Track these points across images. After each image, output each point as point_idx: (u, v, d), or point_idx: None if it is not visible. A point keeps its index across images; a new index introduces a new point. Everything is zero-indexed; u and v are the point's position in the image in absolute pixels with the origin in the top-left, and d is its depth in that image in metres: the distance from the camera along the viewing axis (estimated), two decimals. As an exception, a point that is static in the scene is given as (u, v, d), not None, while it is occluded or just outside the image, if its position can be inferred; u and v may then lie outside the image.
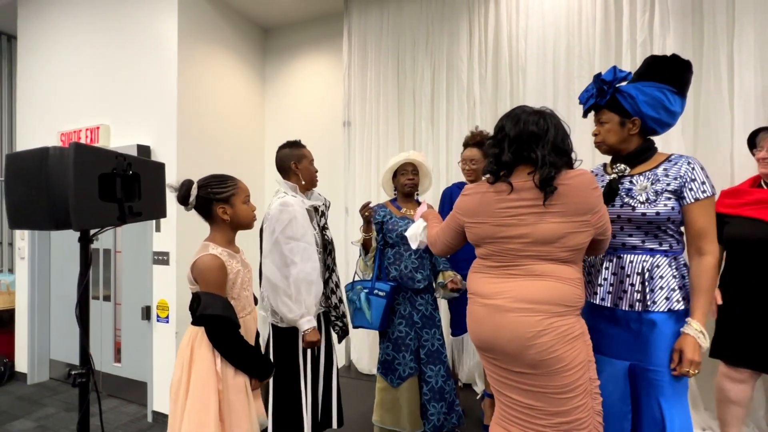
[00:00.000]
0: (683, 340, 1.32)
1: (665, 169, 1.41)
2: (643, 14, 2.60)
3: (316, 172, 2.01)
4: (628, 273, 1.42)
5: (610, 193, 1.45)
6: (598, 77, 1.49)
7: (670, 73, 1.43)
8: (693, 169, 1.38)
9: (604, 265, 1.48)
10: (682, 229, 1.45)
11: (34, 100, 3.71)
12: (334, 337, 2.04)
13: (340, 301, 2.00)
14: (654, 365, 1.36)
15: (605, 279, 1.47)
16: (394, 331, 2.14)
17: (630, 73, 1.49)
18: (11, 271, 4.24)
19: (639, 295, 1.39)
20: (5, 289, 3.87)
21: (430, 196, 2.88)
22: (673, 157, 1.44)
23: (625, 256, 1.43)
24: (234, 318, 1.47)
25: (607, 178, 1.52)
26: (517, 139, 1.27)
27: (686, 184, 1.37)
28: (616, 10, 2.69)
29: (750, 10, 2.39)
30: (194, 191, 1.53)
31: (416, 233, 1.79)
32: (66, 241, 3.59)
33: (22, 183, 1.37)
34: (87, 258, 1.51)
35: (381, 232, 2.20)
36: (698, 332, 1.30)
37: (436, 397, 2.10)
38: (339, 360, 3.19)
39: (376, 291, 2.10)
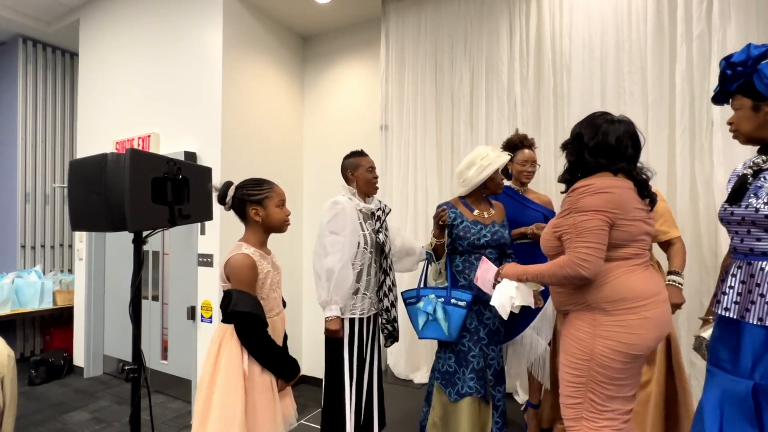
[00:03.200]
0: None
1: None
2: (701, 4, 2.45)
3: (374, 178, 2.14)
4: (758, 281, 1.25)
5: (737, 191, 1.32)
6: (727, 59, 1.32)
7: None
8: None
9: (731, 272, 1.34)
10: None
11: (93, 111, 3.96)
12: (383, 340, 2.07)
13: (392, 305, 2.04)
14: None
15: (731, 287, 1.33)
16: (457, 344, 2.01)
17: (762, 51, 1.27)
18: (71, 271, 4.53)
19: None
20: (65, 288, 4.14)
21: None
22: None
23: (756, 262, 1.27)
24: (263, 316, 1.51)
25: (744, 172, 1.36)
26: (607, 149, 1.41)
27: None
28: (670, 2, 2.54)
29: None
30: (231, 192, 1.63)
31: (508, 300, 1.60)
32: (119, 243, 3.79)
33: (83, 187, 1.45)
34: (140, 259, 1.58)
35: (449, 237, 2.08)
36: None
37: (505, 421, 2.03)
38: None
39: (453, 300, 2.00)
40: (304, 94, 4.05)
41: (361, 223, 2.03)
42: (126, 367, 1.56)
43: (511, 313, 2.08)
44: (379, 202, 2.16)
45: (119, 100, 3.73)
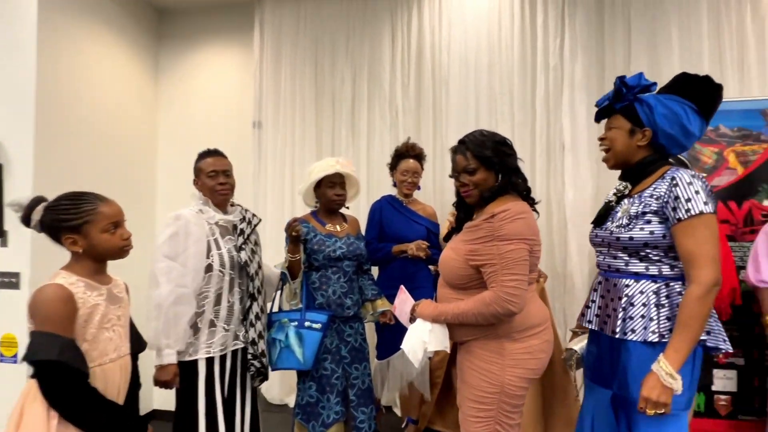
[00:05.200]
0: (648, 379, 1.17)
1: (653, 188, 1.28)
2: (555, 40, 2.74)
3: (220, 185, 1.73)
4: (613, 297, 1.34)
5: (602, 215, 1.39)
6: (621, 79, 1.34)
7: (698, 93, 1.31)
8: (676, 186, 1.21)
9: (593, 287, 1.44)
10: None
11: None
12: (249, 379, 1.75)
13: (261, 336, 1.73)
14: (632, 396, 1.24)
15: (593, 301, 1.42)
16: (318, 369, 1.86)
17: (655, 84, 1.36)
18: None
19: (620, 321, 1.29)
20: None
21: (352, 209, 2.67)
22: (667, 173, 1.28)
23: (612, 279, 1.36)
24: (76, 363, 1.14)
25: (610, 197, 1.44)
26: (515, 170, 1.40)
27: (668, 204, 1.22)
28: (532, 34, 2.80)
29: (643, 48, 2.65)
30: (37, 215, 1.22)
31: (420, 345, 1.38)
32: None
33: None
34: None
35: (304, 253, 1.92)
36: (663, 371, 1.13)
37: None
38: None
39: (308, 323, 1.80)
40: (158, 78, 3.41)
41: (216, 239, 1.68)
42: None
43: (392, 326, 2.04)
44: (245, 211, 1.85)
45: None
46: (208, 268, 1.64)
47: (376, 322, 2.19)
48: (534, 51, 2.79)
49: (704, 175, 1.42)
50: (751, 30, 2.54)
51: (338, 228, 1.99)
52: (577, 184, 2.62)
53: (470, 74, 2.84)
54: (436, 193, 2.86)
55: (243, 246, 1.73)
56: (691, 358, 1.24)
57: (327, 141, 3.02)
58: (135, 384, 1.38)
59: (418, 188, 2.37)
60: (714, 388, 2.34)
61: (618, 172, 1.45)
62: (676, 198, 1.20)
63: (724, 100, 2.52)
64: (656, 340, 1.22)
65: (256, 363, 1.69)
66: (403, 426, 2.43)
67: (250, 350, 1.69)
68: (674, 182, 1.23)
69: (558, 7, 2.73)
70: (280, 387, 2.91)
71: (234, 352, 1.71)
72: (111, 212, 1.28)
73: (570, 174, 2.64)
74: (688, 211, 1.18)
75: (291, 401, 2.86)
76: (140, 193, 3.17)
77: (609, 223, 1.36)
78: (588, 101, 2.65)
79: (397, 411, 2.75)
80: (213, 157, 1.77)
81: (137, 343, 1.40)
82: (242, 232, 1.76)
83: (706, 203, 1.18)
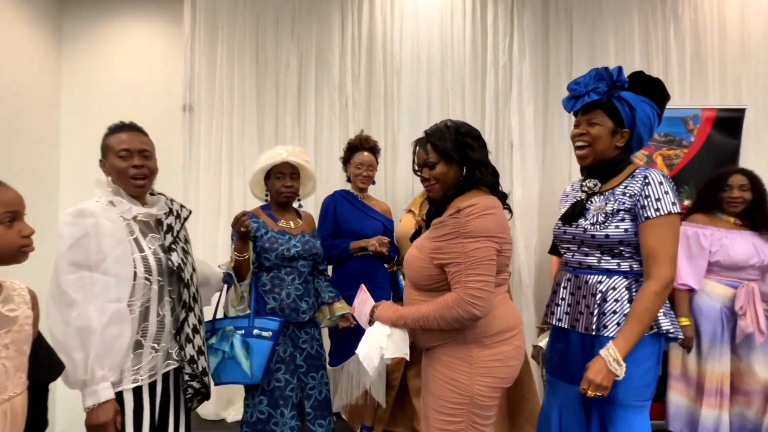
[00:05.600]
0: (594, 363, 1.22)
1: (625, 186, 1.31)
2: (504, 39, 2.78)
3: (135, 167, 1.34)
4: (585, 294, 1.34)
5: (572, 212, 1.37)
6: (605, 70, 1.31)
7: (656, 97, 1.34)
8: (648, 185, 1.26)
9: (562, 284, 1.41)
10: None
11: None
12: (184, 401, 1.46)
13: (200, 352, 1.44)
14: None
15: (563, 298, 1.40)
16: (270, 381, 1.67)
17: (627, 80, 1.34)
18: None
19: (593, 317, 1.30)
20: None
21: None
22: (637, 171, 1.32)
23: (582, 276, 1.36)
24: None
25: (576, 194, 1.43)
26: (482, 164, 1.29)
27: (639, 203, 1.26)
28: (482, 31, 2.81)
29: (584, 53, 2.78)
30: None
31: (377, 351, 1.26)
32: None
33: None
34: None
35: (253, 251, 1.71)
36: (611, 357, 1.19)
37: None
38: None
39: (257, 331, 1.60)
40: (62, 47, 2.90)
41: (136, 239, 1.33)
42: None
43: (345, 330, 1.90)
44: (171, 202, 1.48)
45: None
46: (134, 277, 1.29)
47: (328, 327, 2.03)
48: (485, 48, 2.80)
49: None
50: (674, 45, 2.78)
51: (292, 224, 1.80)
52: (524, 182, 2.69)
53: (422, 67, 2.78)
54: (388, 188, 2.77)
55: (173, 246, 1.39)
56: (656, 350, 1.30)
57: (270, 129, 2.78)
58: (36, 428, 1.07)
59: (373, 183, 2.25)
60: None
61: (571, 171, 1.46)
62: (647, 197, 1.25)
63: (652, 106, 2.72)
64: None
65: (195, 384, 1.42)
66: (357, 433, 2.30)
67: (188, 370, 1.40)
68: (647, 181, 1.26)
69: (507, 6, 2.77)
70: (216, 401, 2.61)
71: (165, 375, 1.39)
72: (7, 199, 0.98)
73: (518, 172, 2.70)
74: (657, 210, 1.23)
75: (229, 416, 2.60)
76: (40, 181, 2.67)
77: (582, 221, 1.35)
78: (535, 101, 2.73)
79: (345, 417, 2.61)
80: (126, 132, 1.38)
81: (46, 370, 1.09)
82: (170, 228, 1.41)
83: (674, 203, 1.23)
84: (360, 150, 2.19)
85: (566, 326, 1.39)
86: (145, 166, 1.37)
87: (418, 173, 1.34)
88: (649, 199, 1.24)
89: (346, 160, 2.24)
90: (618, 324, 1.27)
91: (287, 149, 1.76)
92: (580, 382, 1.28)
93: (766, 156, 2.63)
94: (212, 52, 2.77)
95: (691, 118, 2.59)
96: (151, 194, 1.46)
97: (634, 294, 1.28)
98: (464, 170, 1.28)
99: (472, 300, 1.15)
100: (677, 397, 2.19)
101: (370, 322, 1.34)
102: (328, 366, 2.31)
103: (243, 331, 1.60)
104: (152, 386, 1.35)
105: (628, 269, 1.31)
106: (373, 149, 2.22)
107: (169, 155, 2.80)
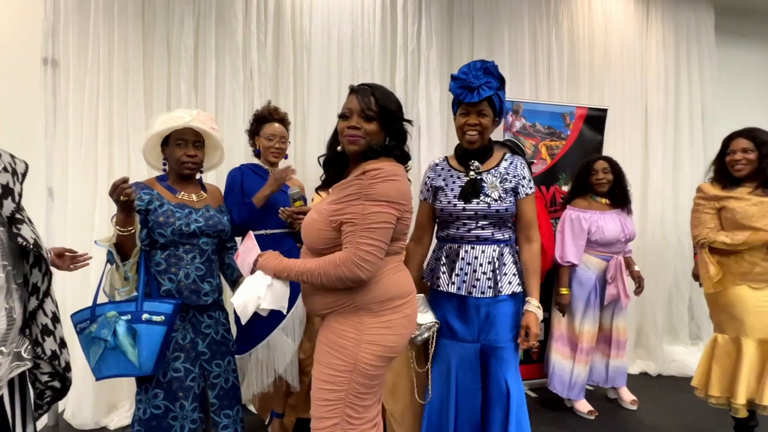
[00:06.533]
0: (528, 317, 1.49)
1: (506, 168, 1.57)
2: (413, 25, 2.85)
3: None
4: (481, 262, 1.53)
5: (474, 191, 1.52)
6: (493, 66, 1.49)
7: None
8: (524, 167, 1.58)
9: (460, 256, 1.55)
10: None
11: None
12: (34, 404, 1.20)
13: (63, 344, 1.20)
14: (501, 342, 1.53)
15: (461, 269, 1.54)
16: (167, 372, 1.48)
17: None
18: None
19: (491, 282, 1.52)
20: None
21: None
22: (507, 156, 1.60)
23: (478, 247, 1.55)
24: None
25: (458, 174, 1.59)
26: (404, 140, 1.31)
27: (521, 182, 1.55)
28: (392, 15, 2.84)
29: (483, 47, 2.99)
30: None
31: (254, 300, 1.20)
32: None
33: None
34: None
35: (145, 227, 1.49)
36: (537, 308, 1.50)
37: None
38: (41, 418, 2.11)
39: (146, 315, 1.39)
40: None
41: None
42: None
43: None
44: (11, 157, 1.14)
45: None
46: None
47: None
48: (394, 32, 2.84)
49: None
50: (555, 49, 3.16)
51: (194, 198, 1.61)
52: (432, 165, 2.80)
53: (333, 44, 2.71)
54: (297, 167, 2.63)
55: (17, 214, 1.09)
56: (520, 305, 1.59)
57: (160, 95, 2.44)
58: None
59: (285, 157, 2.13)
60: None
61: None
62: (524, 177, 1.56)
63: (538, 102, 3.06)
64: (519, 290, 1.54)
65: (56, 384, 1.18)
66: (266, 422, 2.18)
67: (46, 369, 1.16)
68: (522, 165, 1.58)
69: (416, -7, 2.84)
70: (94, 406, 2.24)
71: (11, 381, 1.11)
72: None
73: (425, 155, 2.80)
74: (531, 188, 1.57)
75: (112, 423, 2.26)
76: None
77: (484, 197, 1.52)
78: (441, 88, 2.85)
79: (253, 409, 2.46)
80: None
81: None
82: (8, 190, 1.07)
83: (532, 183, 1.59)
84: (270, 121, 2.05)
85: (464, 293, 1.54)
86: None
87: (344, 117, 1.26)
88: (525, 180, 1.56)
89: (255, 132, 2.08)
90: (510, 283, 1.53)
91: (190, 113, 1.56)
92: (476, 339, 1.55)
93: (622, 149, 3.14)
94: (84, -3, 2.32)
95: (568, 114, 2.97)
96: None
97: (514, 258, 1.57)
98: (387, 139, 1.27)
99: (360, 262, 1.14)
100: (557, 357, 2.55)
101: (252, 272, 1.27)
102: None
103: (129, 317, 1.39)
104: None
105: (509, 238, 1.59)
106: (283, 120, 2.09)
107: (25, 116, 2.32)
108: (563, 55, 3.15)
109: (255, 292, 1.20)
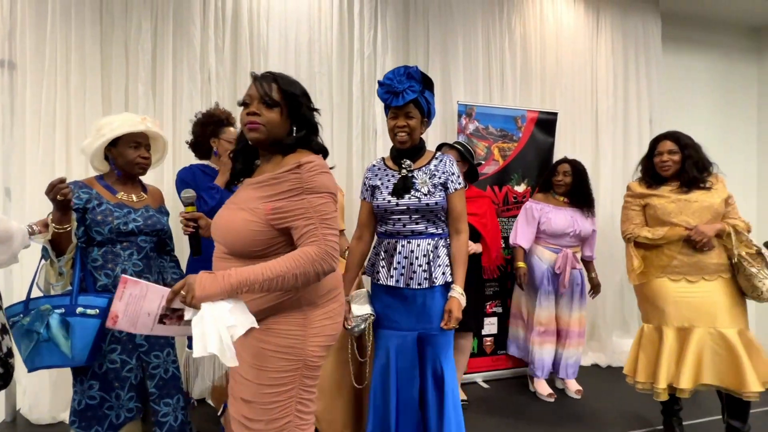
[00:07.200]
0: (451, 302, 1.60)
1: (435, 166, 1.67)
2: (369, 31, 2.96)
3: None
4: (417, 256, 1.64)
5: (405, 188, 1.63)
6: (416, 71, 1.57)
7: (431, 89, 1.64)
8: (453, 164, 1.69)
9: (397, 250, 1.65)
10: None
11: None
12: None
13: (5, 331, 1.24)
14: (435, 330, 1.63)
15: (398, 262, 1.64)
16: (103, 363, 1.54)
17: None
18: None
19: (426, 273, 1.62)
20: None
21: (151, 177, 2.27)
22: (437, 155, 1.71)
23: (414, 241, 1.65)
24: None
25: (392, 173, 1.70)
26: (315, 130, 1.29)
27: (450, 178, 1.66)
28: (349, 20, 2.94)
29: (438, 53, 3.10)
30: None
31: (226, 336, 1.00)
32: None
33: None
34: None
35: (83, 224, 1.56)
36: (461, 295, 1.61)
37: None
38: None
39: (80, 309, 1.45)
40: None
41: None
42: None
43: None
44: None
45: None
46: None
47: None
48: (351, 37, 2.94)
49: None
50: (508, 54, 3.29)
51: (134, 198, 1.67)
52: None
53: (290, 49, 2.80)
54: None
55: None
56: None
57: (119, 97, 2.50)
58: None
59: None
60: (483, 332, 2.98)
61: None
62: (453, 173, 1.67)
63: (491, 105, 3.19)
64: (451, 280, 1.64)
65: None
66: (219, 413, 2.25)
67: None
68: (451, 163, 1.69)
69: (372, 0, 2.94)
70: (51, 401, 2.29)
71: None
72: None
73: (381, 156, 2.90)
74: (460, 184, 1.67)
75: (68, 418, 2.29)
76: None
77: (414, 192, 1.63)
78: (396, 92, 2.96)
79: (211, 403, 2.53)
80: None
81: None
82: None
83: (461, 179, 1.70)
84: (228, 125, 2.14)
85: (402, 285, 1.64)
86: None
87: (244, 105, 1.19)
88: (454, 176, 1.67)
89: (212, 134, 2.15)
90: (443, 274, 1.62)
91: (145, 119, 1.64)
92: (413, 328, 1.65)
93: (573, 151, 3.27)
94: (41, 1, 2.38)
95: (519, 118, 3.11)
96: None
97: (446, 250, 1.67)
98: (294, 129, 1.21)
99: (333, 253, 1.13)
100: (515, 330, 2.89)
101: (165, 315, 1.10)
102: (186, 349, 2.24)
103: (63, 310, 1.45)
104: None
105: (441, 231, 1.69)
106: (233, 124, 2.18)
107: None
108: (516, 60, 3.29)
109: (222, 324, 1.01)
